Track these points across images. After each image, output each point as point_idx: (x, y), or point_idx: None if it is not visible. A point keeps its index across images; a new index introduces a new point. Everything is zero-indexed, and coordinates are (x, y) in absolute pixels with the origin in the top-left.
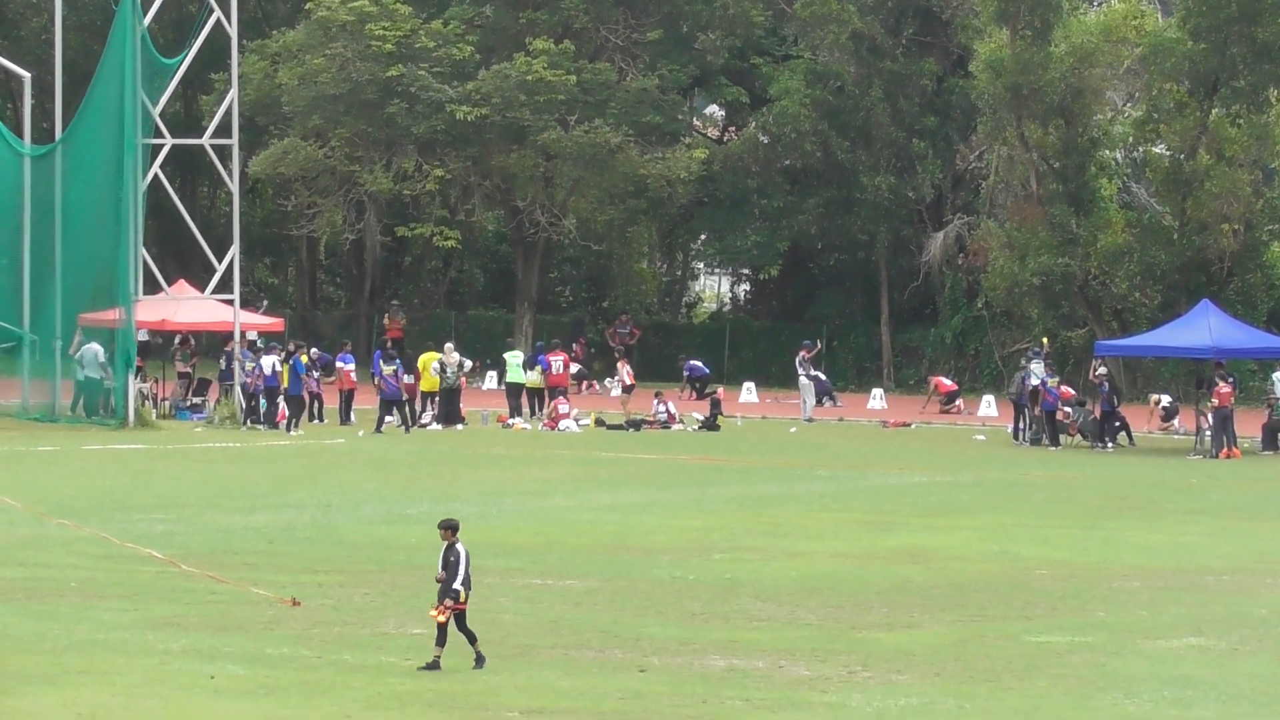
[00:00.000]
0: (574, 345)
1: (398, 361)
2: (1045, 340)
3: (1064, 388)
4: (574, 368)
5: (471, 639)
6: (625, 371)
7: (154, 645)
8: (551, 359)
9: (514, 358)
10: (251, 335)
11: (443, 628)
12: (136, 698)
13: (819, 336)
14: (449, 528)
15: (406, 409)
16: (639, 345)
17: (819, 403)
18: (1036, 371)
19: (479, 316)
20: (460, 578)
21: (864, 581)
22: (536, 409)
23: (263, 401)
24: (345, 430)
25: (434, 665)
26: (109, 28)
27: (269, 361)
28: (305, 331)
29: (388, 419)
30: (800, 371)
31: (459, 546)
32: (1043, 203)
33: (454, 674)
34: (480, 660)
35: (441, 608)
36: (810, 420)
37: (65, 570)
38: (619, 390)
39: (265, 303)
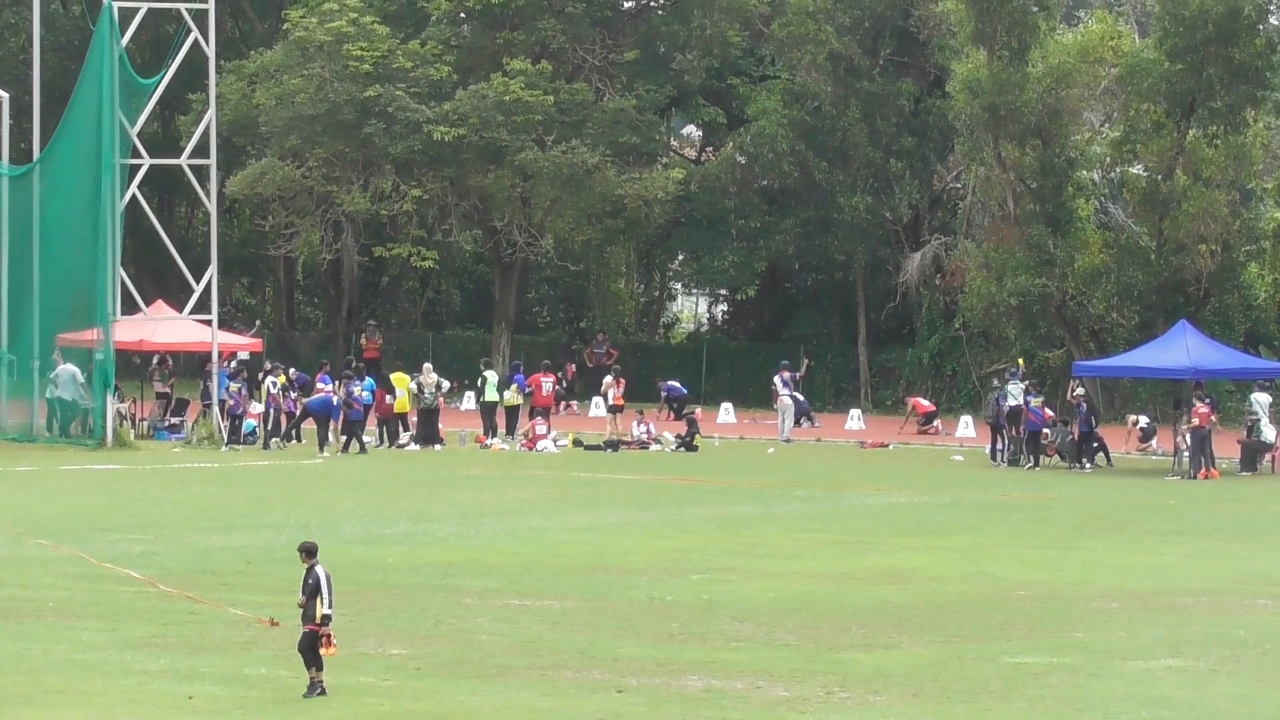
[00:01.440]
0: (567, 365)
1: (358, 382)
2: (1021, 361)
3: (1045, 409)
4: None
5: (318, 666)
6: (613, 392)
7: (132, 665)
8: (541, 379)
9: (492, 376)
10: (243, 355)
11: (314, 650)
12: (114, 718)
13: (796, 356)
14: (307, 551)
15: (362, 431)
16: (618, 364)
17: (796, 423)
18: (1014, 393)
19: (456, 336)
20: (328, 603)
21: (842, 602)
22: (513, 428)
23: (247, 423)
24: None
25: (318, 689)
26: (86, 48)
27: (271, 383)
28: (283, 352)
29: (329, 440)
30: (783, 391)
31: (318, 570)
32: (1020, 223)
33: (431, 695)
34: (314, 688)
35: (326, 641)
36: (788, 440)
37: (43, 590)
38: (605, 410)
39: (258, 323)
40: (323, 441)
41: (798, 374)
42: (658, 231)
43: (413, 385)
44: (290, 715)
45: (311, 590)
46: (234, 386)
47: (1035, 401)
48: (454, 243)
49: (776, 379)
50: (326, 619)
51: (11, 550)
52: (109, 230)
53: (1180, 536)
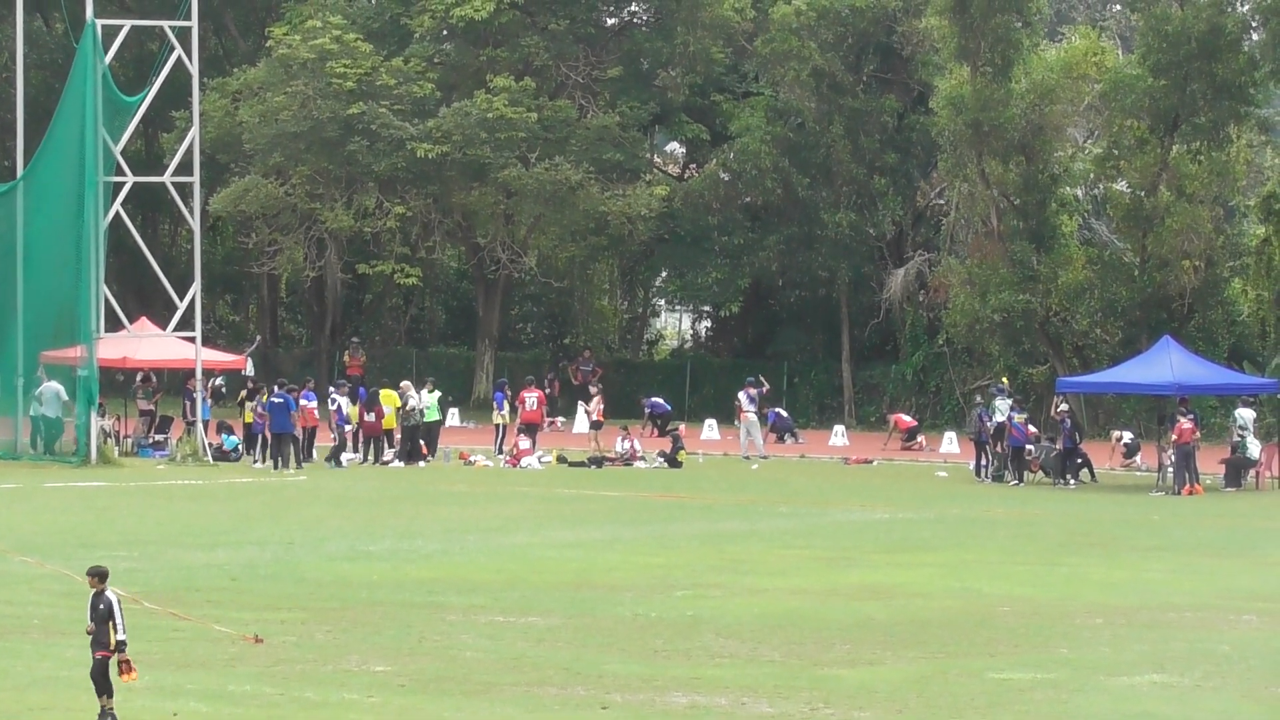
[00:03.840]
0: (549, 380)
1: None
2: (1005, 379)
3: (1029, 425)
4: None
5: (109, 695)
6: (596, 408)
7: (116, 682)
8: (526, 395)
9: (429, 397)
10: (250, 372)
11: (105, 677)
12: None
13: (780, 373)
14: (96, 575)
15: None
16: (600, 383)
17: (780, 439)
18: (1001, 408)
19: (440, 354)
20: (121, 627)
21: (826, 618)
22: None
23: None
24: (307, 467)
25: (108, 717)
26: (70, 65)
27: (342, 401)
28: (266, 369)
29: (313, 458)
30: (748, 407)
31: (108, 594)
32: (1003, 239)
33: (415, 712)
34: (104, 717)
35: (126, 667)
36: (751, 457)
37: (28, 607)
38: (587, 426)
39: (259, 339)
40: (298, 458)
41: (764, 389)
42: (641, 248)
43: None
44: None
45: (103, 616)
46: (255, 405)
47: (1019, 418)
48: (438, 260)
49: (742, 395)
50: (121, 645)
51: None
52: (92, 248)
53: (1164, 552)
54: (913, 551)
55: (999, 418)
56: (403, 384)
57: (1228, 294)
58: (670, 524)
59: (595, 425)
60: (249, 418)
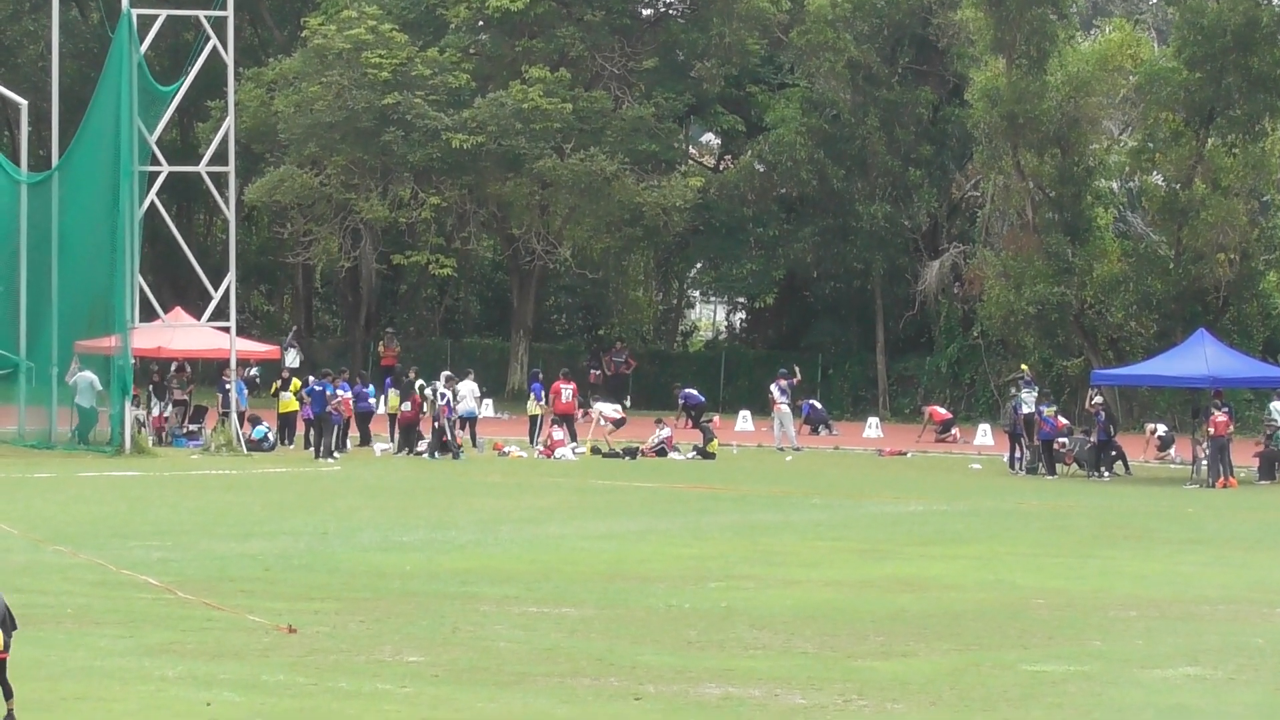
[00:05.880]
0: (593, 371)
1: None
2: (1025, 367)
3: (1059, 418)
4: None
5: (7, 694)
6: (616, 404)
7: (150, 672)
8: (561, 386)
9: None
10: (293, 364)
11: (2, 678)
12: None
13: (814, 365)
14: None
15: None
16: (635, 374)
17: (814, 431)
18: (1027, 400)
19: (474, 344)
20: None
21: (859, 610)
22: (534, 436)
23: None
24: (340, 457)
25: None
26: (105, 55)
27: (447, 393)
28: (303, 359)
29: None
30: (780, 399)
31: None
32: (1038, 232)
33: (448, 702)
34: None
35: None
36: (780, 449)
37: (61, 597)
38: (605, 421)
39: (295, 328)
40: (334, 448)
41: (795, 380)
42: (676, 239)
43: (428, 391)
44: None
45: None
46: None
47: (1048, 411)
48: (472, 250)
49: (774, 387)
50: None
51: (30, 557)
52: (127, 237)
53: (1198, 545)
54: (946, 544)
55: (1026, 409)
56: (444, 374)
57: (1263, 287)
58: (703, 515)
59: (618, 424)
60: (283, 408)
